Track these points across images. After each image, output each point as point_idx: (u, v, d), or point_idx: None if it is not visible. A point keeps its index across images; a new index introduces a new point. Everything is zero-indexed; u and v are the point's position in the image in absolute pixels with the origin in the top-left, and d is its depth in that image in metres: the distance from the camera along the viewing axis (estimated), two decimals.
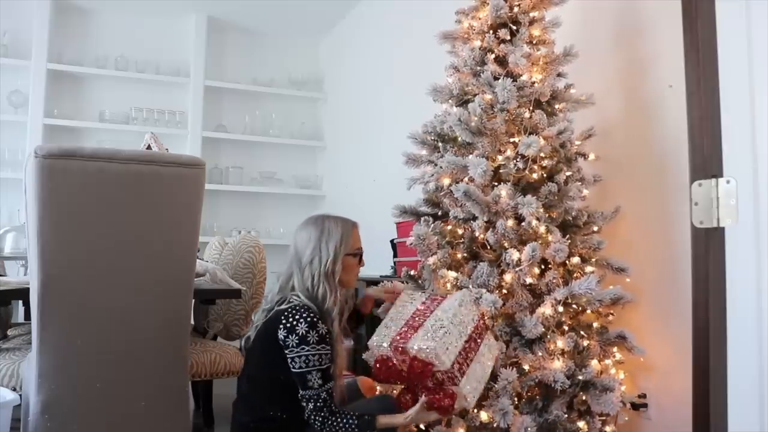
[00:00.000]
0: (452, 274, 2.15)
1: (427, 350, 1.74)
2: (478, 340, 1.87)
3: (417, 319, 1.87)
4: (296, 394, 1.81)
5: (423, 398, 1.76)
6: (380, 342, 1.86)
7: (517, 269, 2.02)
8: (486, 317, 2.00)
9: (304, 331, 1.75)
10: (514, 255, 2.02)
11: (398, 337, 1.82)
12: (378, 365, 1.84)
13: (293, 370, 1.76)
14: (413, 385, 1.81)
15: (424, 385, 1.79)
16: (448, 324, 1.79)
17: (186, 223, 2.05)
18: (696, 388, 1.40)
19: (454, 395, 1.76)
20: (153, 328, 2.02)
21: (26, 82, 4.94)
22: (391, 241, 3.53)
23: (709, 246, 1.32)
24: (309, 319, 1.76)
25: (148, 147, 2.91)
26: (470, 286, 2.06)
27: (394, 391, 1.97)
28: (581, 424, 1.99)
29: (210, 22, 5.47)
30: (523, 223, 2.07)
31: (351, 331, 2.08)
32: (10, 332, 2.82)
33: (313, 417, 1.75)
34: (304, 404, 1.77)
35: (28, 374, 1.96)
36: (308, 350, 1.74)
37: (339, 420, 1.74)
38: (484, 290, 2.00)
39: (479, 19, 2.36)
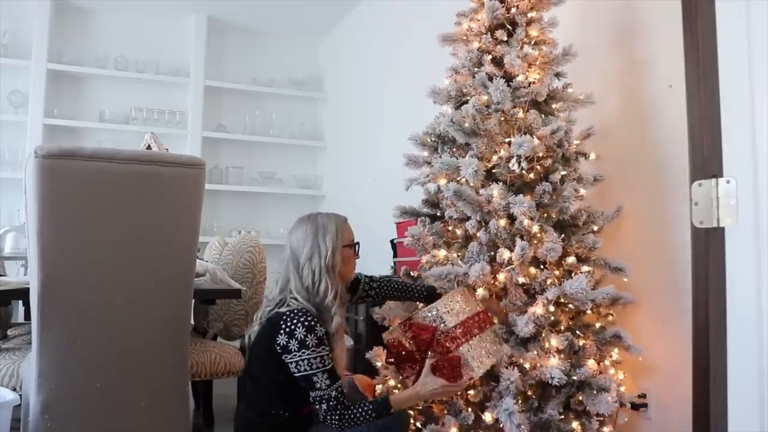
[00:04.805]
0: (442, 252, 2.19)
1: (430, 315, 1.95)
2: (483, 326, 1.98)
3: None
4: (297, 393, 1.81)
5: (429, 361, 1.89)
6: (392, 330, 2.05)
7: (508, 268, 2.02)
8: (489, 314, 2.05)
9: (302, 336, 1.75)
10: (505, 254, 2.02)
11: (406, 320, 2.01)
12: (389, 348, 2.04)
13: (298, 374, 1.77)
14: (422, 356, 1.93)
15: (432, 352, 1.91)
16: (443, 306, 1.97)
17: (186, 223, 2.05)
18: (696, 388, 1.40)
19: (458, 361, 1.86)
20: (153, 328, 2.02)
21: (26, 82, 4.94)
22: (391, 241, 3.53)
23: (709, 246, 1.32)
24: (307, 323, 1.77)
25: (148, 147, 2.91)
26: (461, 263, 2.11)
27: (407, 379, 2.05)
28: (575, 424, 1.99)
29: (210, 22, 5.47)
30: (515, 222, 2.07)
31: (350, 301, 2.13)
32: (10, 332, 2.82)
33: (329, 417, 1.76)
34: (317, 406, 1.77)
35: (28, 374, 1.96)
36: (308, 354, 1.75)
37: (354, 411, 1.76)
38: (469, 265, 2.05)
39: (478, 21, 2.36)
